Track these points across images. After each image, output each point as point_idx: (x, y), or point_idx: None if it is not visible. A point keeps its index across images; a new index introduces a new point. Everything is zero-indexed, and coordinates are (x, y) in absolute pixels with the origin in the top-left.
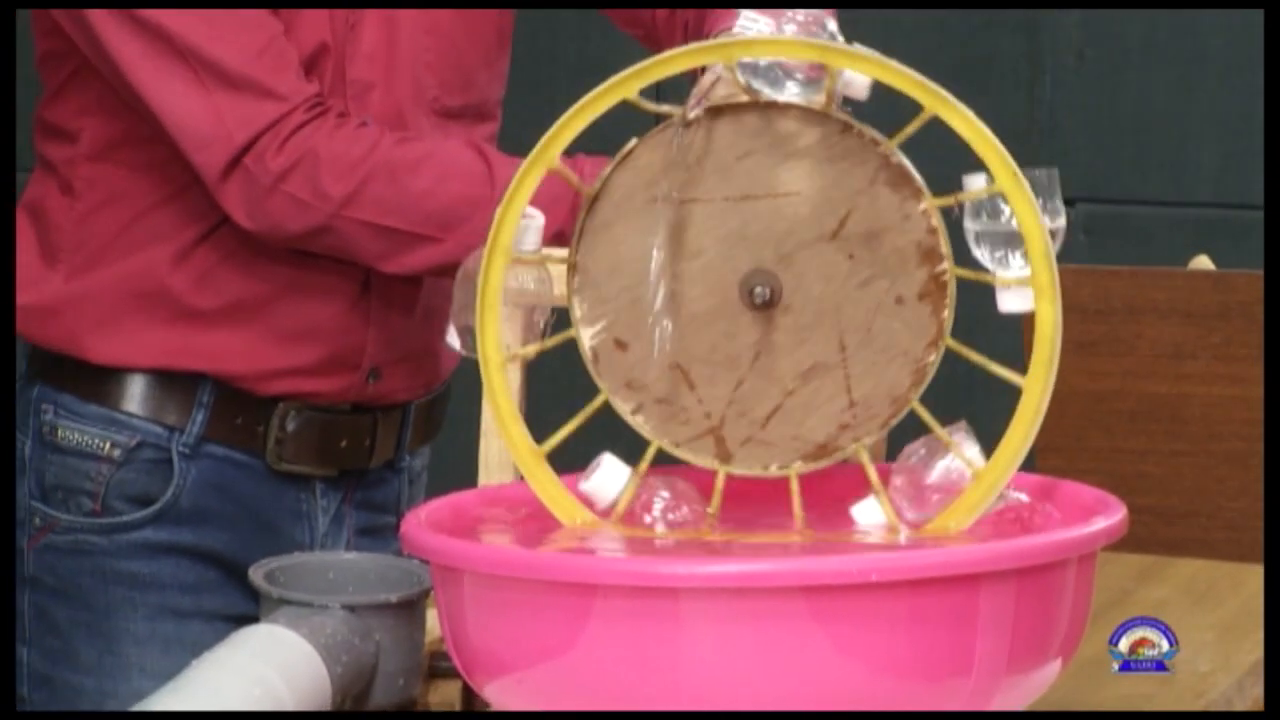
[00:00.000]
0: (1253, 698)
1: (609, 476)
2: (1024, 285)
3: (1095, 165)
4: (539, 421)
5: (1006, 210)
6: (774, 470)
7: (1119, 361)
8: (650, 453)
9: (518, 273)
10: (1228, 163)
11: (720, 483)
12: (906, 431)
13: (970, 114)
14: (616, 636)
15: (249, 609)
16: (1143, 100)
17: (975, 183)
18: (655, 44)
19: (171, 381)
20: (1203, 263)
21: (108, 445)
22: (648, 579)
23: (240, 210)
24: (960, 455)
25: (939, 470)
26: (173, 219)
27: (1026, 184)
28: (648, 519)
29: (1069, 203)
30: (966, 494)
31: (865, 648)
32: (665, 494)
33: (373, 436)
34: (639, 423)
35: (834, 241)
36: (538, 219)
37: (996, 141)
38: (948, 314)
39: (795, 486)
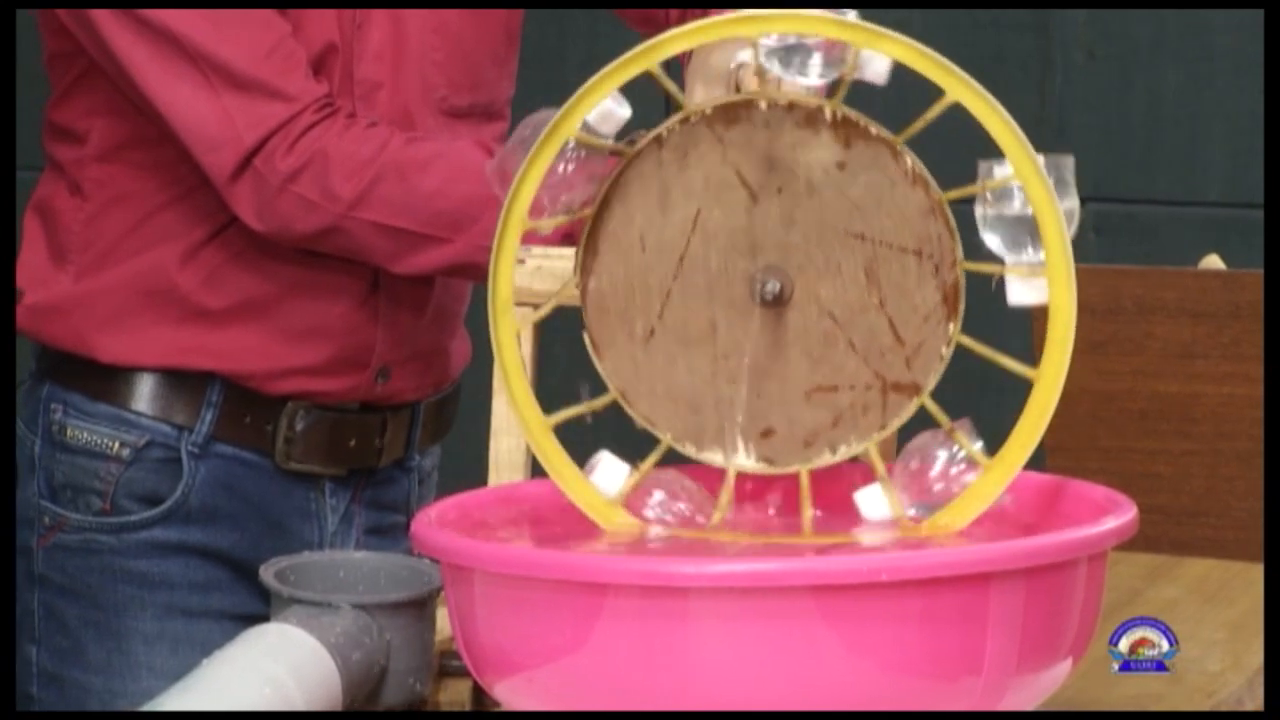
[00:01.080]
0: (1263, 697)
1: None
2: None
3: (1105, 164)
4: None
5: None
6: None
7: (1129, 361)
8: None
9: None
10: (1238, 161)
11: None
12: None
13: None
14: (626, 636)
15: (258, 608)
16: (1153, 99)
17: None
18: None
19: (180, 381)
20: (1213, 262)
21: (116, 445)
22: (658, 578)
23: (250, 212)
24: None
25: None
26: (181, 218)
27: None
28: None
29: (1080, 201)
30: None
31: (875, 647)
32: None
33: (382, 436)
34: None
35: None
36: (625, 109)
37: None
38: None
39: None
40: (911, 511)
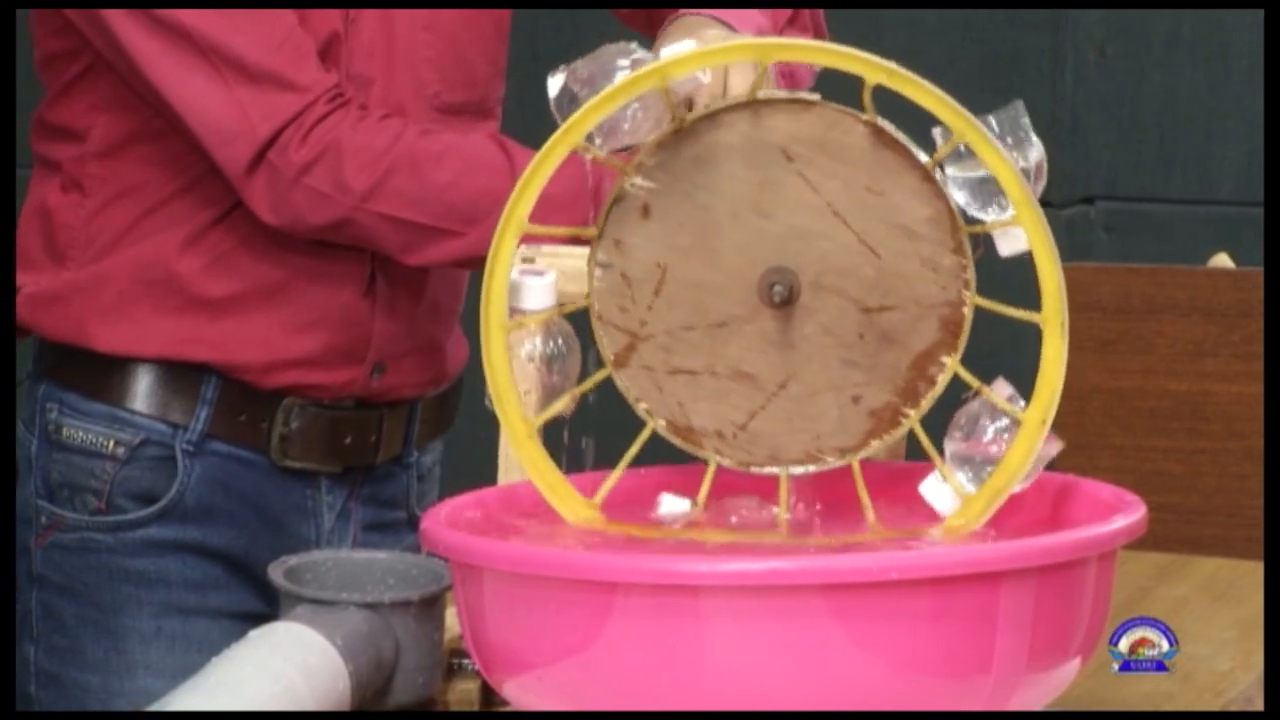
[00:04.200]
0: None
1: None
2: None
3: (1117, 163)
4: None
5: (989, 440)
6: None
7: (1139, 359)
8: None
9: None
10: (1250, 160)
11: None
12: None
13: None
14: (636, 634)
15: (255, 606)
16: (1165, 97)
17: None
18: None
19: (176, 377)
20: (1222, 260)
21: (112, 443)
22: (668, 577)
23: (265, 206)
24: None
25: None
26: (187, 207)
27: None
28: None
29: (1089, 200)
30: (985, 486)
31: (885, 646)
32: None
33: (378, 433)
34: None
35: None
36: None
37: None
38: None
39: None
40: (969, 485)
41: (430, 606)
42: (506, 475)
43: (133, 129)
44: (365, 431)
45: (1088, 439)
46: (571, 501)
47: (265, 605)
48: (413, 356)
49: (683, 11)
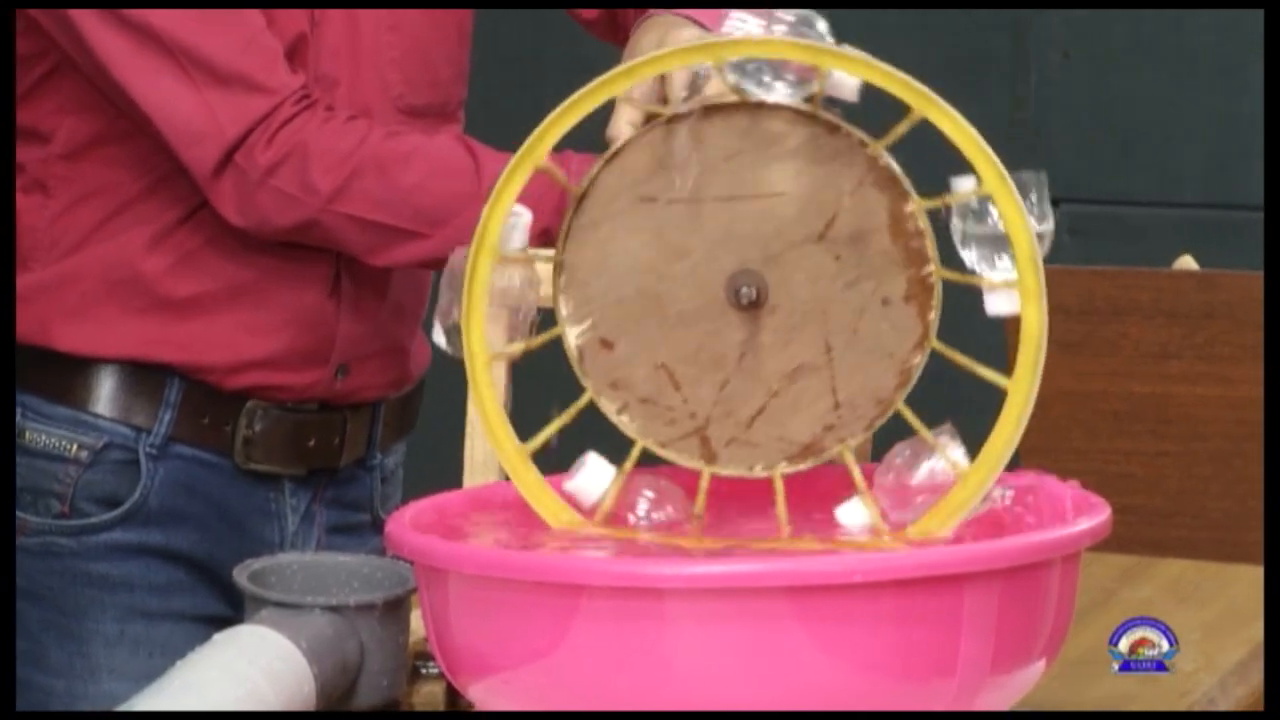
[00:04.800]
0: (1235, 697)
1: (593, 475)
2: (1010, 288)
3: (1081, 165)
4: (524, 420)
5: (994, 213)
6: (759, 471)
7: (1103, 362)
8: (635, 452)
9: (504, 272)
10: (1215, 162)
11: (705, 483)
12: (892, 433)
13: (957, 115)
14: (601, 637)
15: (219, 609)
16: (1129, 99)
17: (963, 185)
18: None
19: (139, 380)
20: (1186, 263)
21: (75, 447)
22: (633, 579)
23: (231, 206)
24: (945, 456)
25: (924, 471)
26: (153, 206)
27: (1013, 185)
28: (632, 519)
29: (1055, 203)
30: (951, 496)
31: (849, 648)
32: (650, 494)
33: (342, 435)
34: (624, 422)
35: (821, 243)
36: (525, 216)
37: (983, 143)
38: (934, 316)
39: (779, 487)
40: (894, 519)
41: (395, 609)
42: (471, 478)
43: (98, 130)
44: (329, 434)
45: (1051, 441)
46: (553, 505)
47: (229, 609)
48: (376, 358)
49: (652, 11)
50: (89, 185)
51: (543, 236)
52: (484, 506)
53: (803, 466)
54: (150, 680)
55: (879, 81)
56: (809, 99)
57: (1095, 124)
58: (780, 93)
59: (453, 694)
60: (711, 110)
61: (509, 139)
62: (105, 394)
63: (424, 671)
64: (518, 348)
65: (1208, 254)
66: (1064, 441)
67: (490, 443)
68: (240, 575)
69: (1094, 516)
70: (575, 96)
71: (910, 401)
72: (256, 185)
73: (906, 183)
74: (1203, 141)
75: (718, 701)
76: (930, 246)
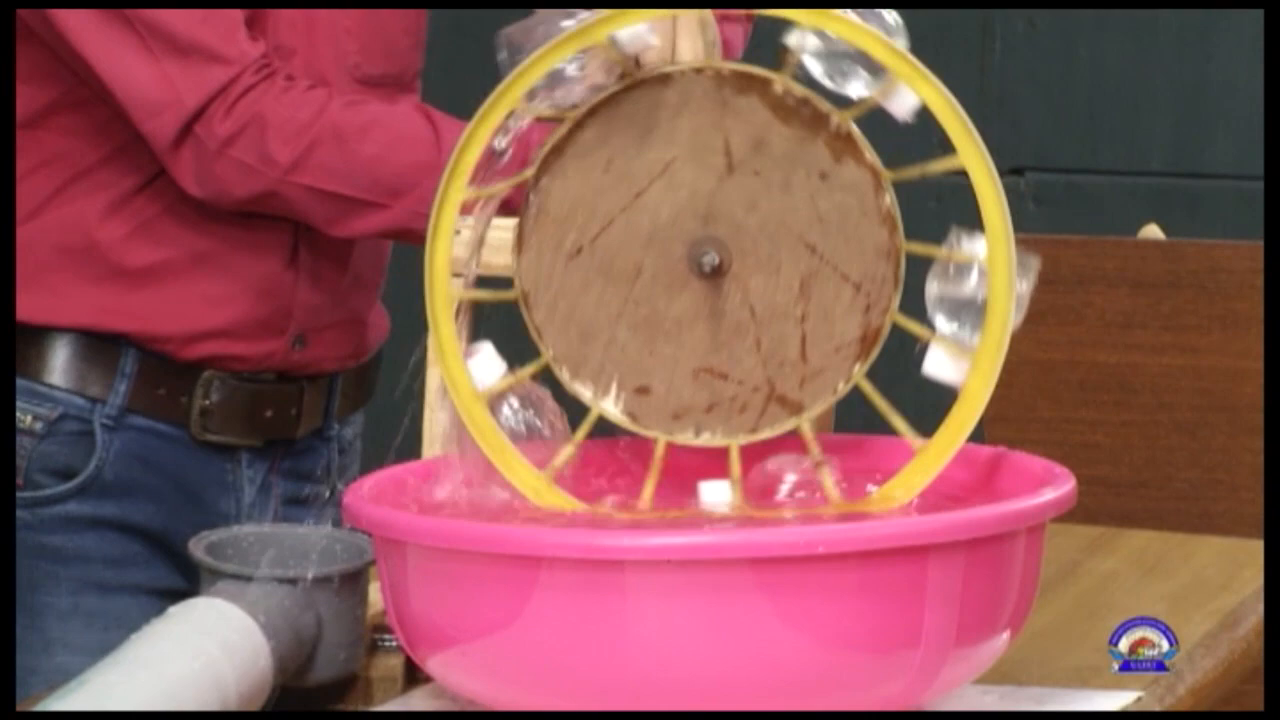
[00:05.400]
0: (1203, 669)
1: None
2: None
3: (1046, 133)
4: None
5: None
6: (646, 430)
7: (1068, 331)
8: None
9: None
10: (1180, 132)
11: (660, 449)
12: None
13: (994, 170)
14: (561, 609)
15: (174, 582)
16: (1094, 68)
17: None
18: None
19: (94, 350)
20: (1152, 231)
21: (29, 418)
22: (593, 551)
23: (190, 177)
24: (826, 484)
25: (788, 485)
26: (110, 174)
27: (988, 157)
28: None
29: (1019, 171)
30: (916, 461)
31: (812, 620)
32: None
33: (299, 406)
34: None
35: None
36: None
37: (1007, 211)
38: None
39: (735, 457)
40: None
41: (353, 582)
42: (430, 449)
43: (55, 99)
44: (286, 404)
45: (1016, 411)
46: (520, 471)
47: (185, 581)
48: (334, 329)
49: None
50: (46, 154)
51: (502, 208)
52: (443, 478)
53: (683, 441)
54: (104, 654)
55: (937, 109)
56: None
57: (1060, 92)
58: (857, 86)
59: (411, 667)
60: (752, 78)
61: (463, 109)
62: (59, 364)
63: (382, 645)
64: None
65: (1173, 223)
66: (1028, 411)
67: (446, 382)
68: (196, 547)
69: (1059, 487)
70: (546, 46)
71: (878, 379)
72: (215, 156)
73: (754, 68)
74: (1168, 110)
75: (678, 675)
76: (817, 100)
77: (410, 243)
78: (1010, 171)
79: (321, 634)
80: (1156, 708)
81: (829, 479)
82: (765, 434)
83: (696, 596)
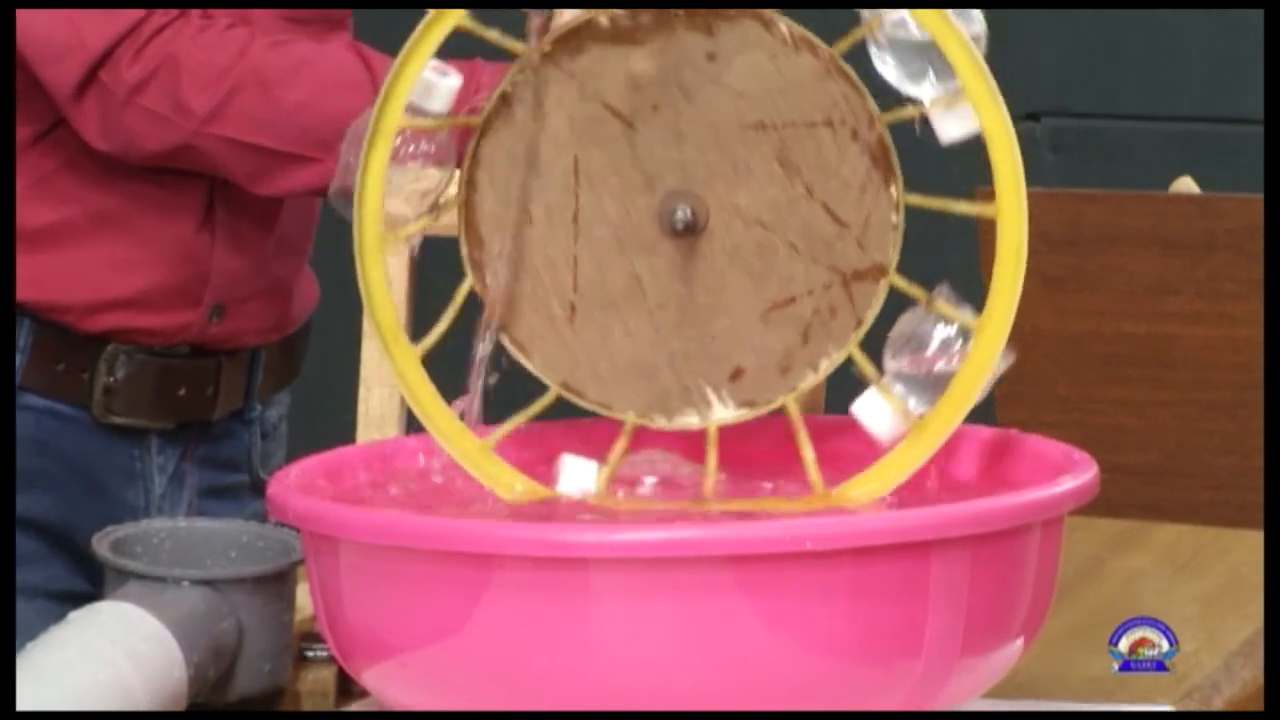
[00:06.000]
0: (1241, 681)
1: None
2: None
3: (1064, 74)
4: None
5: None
6: (771, 403)
7: (1091, 298)
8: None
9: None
10: (1216, 71)
11: (714, 439)
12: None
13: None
14: (517, 614)
15: (77, 584)
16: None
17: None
18: None
19: None
20: (1186, 185)
21: None
22: (552, 548)
23: (94, 129)
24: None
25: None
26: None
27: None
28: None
29: (1035, 117)
30: (903, 449)
31: (800, 625)
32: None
33: (216, 384)
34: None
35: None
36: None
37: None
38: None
39: (713, 437)
40: (913, 404)
41: (278, 583)
42: (366, 432)
43: None
44: (201, 382)
45: (1031, 390)
46: (461, 439)
47: (88, 583)
48: (256, 298)
49: None
50: None
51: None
52: (380, 465)
53: (810, 384)
54: None
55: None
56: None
57: (1078, 28)
58: (927, 89)
59: (344, 680)
60: (576, 36)
61: (396, 49)
62: None
63: (311, 655)
64: (417, 225)
65: (1209, 175)
66: (1046, 390)
67: (380, 348)
68: (100, 544)
69: (1079, 475)
70: (412, 41)
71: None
72: (122, 105)
73: (818, 41)
74: (1202, 47)
75: (648, 687)
76: (868, 102)
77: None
78: (1024, 117)
79: (242, 643)
80: None
81: (952, 310)
82: (872, 315)
83: (670, 599)
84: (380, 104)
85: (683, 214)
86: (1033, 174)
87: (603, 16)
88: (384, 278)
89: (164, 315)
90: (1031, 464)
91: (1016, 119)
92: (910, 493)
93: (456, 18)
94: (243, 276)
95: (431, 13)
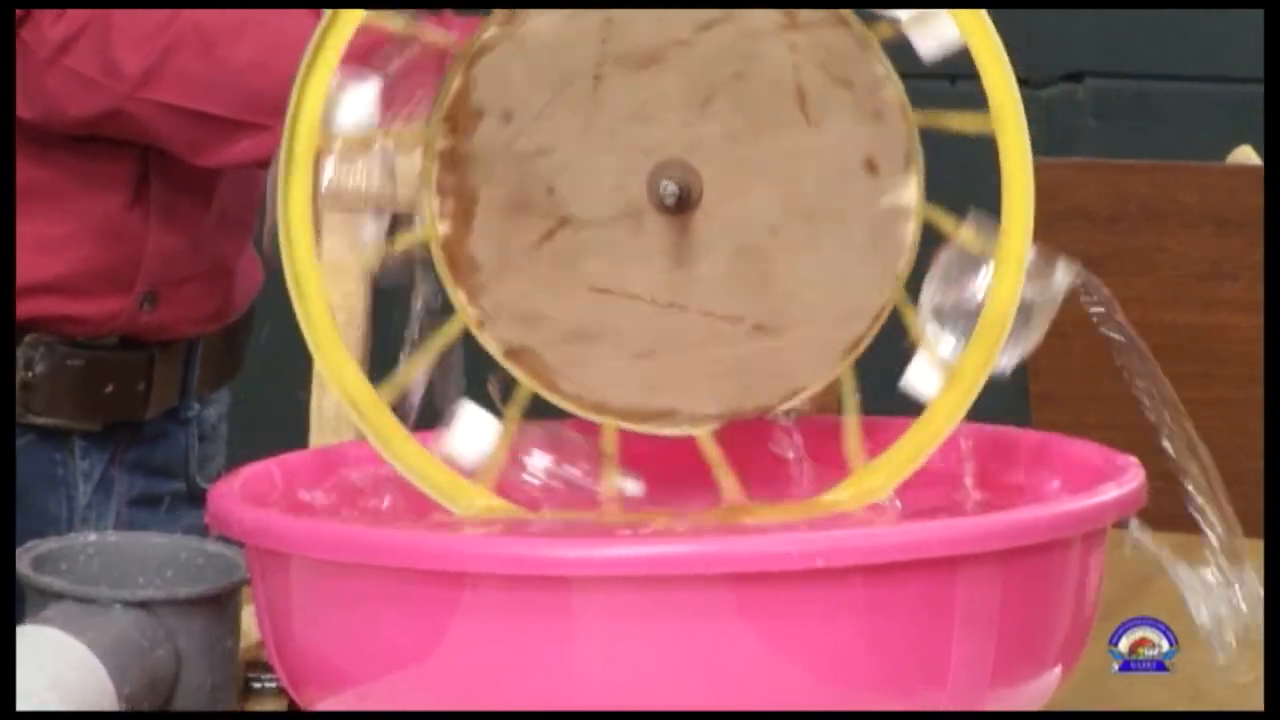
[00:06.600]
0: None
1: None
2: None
3: (1108, 30)
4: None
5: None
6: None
7: (1136, 283)
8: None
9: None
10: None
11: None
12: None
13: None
14: (488, 638)
15: None
16: None
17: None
18: None
19: None
20: (1245, 155)
21: None
22: (531, 565)
23: (15, 94)
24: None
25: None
26: None
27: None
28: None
29: (1074, 77)
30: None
31: (809, 652)
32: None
33: (148, 379)
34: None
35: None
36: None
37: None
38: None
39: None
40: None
41: (220, 605)
42: (320, 435)
43: None
44: (131, 378)
45: (1070, 387)
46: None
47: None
48: (194, 281)
49: None
50: None
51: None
52: (336, 471)
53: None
54: None
55: None
56: None
57: None
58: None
59: (295, 714)
60: None
61: None
62: None
63: (258, 686)
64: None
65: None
66: (1087, 388)
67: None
68: (20, 561)
69: (1124, 483)
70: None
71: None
72: (45, 66)
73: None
74: None
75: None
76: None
77: None
78: (1064, 78)
79: (180, 673)
80: None
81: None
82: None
83: (660, 621)
84: (289, 128)
85: (672, 188)
86: (1071, 142)
87: None
88: (330, 321)
89: (89, 302)
90: (1071, 469)
91: (1055, 80)
92: (935, 502)
93: (357, 17)
94: (178, 257)
95: (328, 13)
